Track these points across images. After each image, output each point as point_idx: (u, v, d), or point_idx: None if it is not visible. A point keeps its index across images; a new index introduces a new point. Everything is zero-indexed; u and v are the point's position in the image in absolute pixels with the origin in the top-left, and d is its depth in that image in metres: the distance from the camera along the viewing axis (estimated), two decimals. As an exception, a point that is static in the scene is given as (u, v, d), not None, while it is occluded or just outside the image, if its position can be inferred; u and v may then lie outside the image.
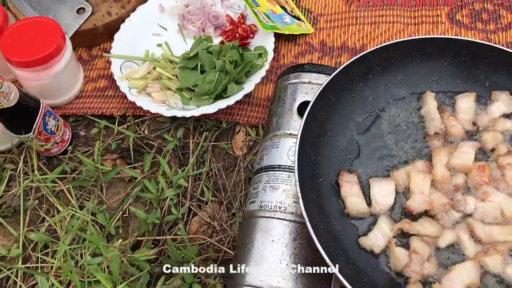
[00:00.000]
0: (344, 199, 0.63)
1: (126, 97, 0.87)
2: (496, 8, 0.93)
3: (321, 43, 0.95)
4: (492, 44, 0.68)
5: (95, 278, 0.70)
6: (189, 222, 0.79)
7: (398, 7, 0.96)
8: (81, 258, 0.73)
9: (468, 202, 0.60)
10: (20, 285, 0.74)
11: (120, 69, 0.91)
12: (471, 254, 0.58)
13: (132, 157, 0.86)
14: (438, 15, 0.94)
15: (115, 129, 0.89)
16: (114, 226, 0.78)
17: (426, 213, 0.61)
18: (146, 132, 0.89)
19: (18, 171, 0.84)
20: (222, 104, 0.82)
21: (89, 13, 0.96)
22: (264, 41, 0.89)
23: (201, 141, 0.85)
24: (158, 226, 0.78)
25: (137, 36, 0.96)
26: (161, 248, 0.76)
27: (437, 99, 0.69)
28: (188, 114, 0.82)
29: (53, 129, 0.81)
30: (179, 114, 0.82)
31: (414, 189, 0.62)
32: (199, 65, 0.86)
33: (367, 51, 0.68)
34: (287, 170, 0.69)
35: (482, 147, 0.65)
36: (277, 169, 0.69)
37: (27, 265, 0.76)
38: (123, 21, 0.96)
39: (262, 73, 0.85)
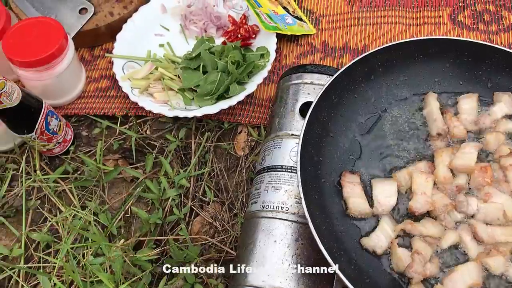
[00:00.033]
0: (346, 199, 0.63)
1: (128, 97, 0.87)
2: (498, 9, 0.93)
3: (323, 44, 0.95)
4: (494, 45, 0.68)
5: (97, 278, 0.70)
6: (191, 222, 0.79)
7: (400, 8, 0.96)
8: (83, 258, 0.73)
9: (470, 203, 0.60)
10: (22, 285, 0.74)
11: (122, 69, 0.91)
12: (473, 255, 0.58)
13: (134, 157, 0.86)
14: (440, 16, 0.94)
15: (117, 129, 0.89)
16: (116, 226, 0.78)
17: (428, 214, 0.61)
18: (148, 132, 0.89)
19: (20, 171, 0.84)
20: (224, 104, 0.82)
21: (91, 13, 0.96)
22: (266, 41, 0.90)
23: (203, 141, 0.85)
24: (160, 226, 0.78)
25: (139, 37, 0.96)
26: (163, 248, 0.76)
27: (439, 100, 0.69)
28: (190, 114, 0.82)
29: (55, 129, 0.82)
30: (181, 114, 0.82)
31: (416, 189, 0.62)
32: (201, 66, 0.86)
33: (369, 52, 0.68)
34: (289, 170, 0.69)
35: (484, 148, 0.65)
36: (279, 169, 0.70)
37: (29, 265, 0.77)
38: (125, 21, 0.96)
39: (264, 73, 0.85)
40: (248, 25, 0.94)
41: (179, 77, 0.89)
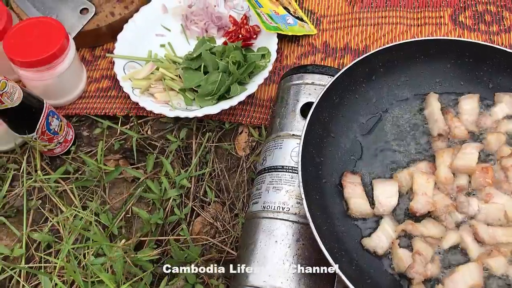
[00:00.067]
0: (347, 200, 0.63)
1: (129, 97, 0.87)
2: (499, 9, 0.93)
3: (324, 44, 0.95)
4: (495, 46, 0.68)
5: (98, 278, 0.70)
6: (192, 222, 0.79)
7: (401, 9, 0.96)
8: (84, 258, 0.73)
9: (471, 203, 0.60)
10: (23, 285, 0.74)
11: (123, 69, 0.91)
12: (474, 256, 0.58)
13: (135, 158, 0.86)
14: (441, 17, 0.94)
15: (118, 130, 0.89)
16: (117, 226, 0.78)
17: (430, 214, 0.61)
18: (149, 132, 0.89)
19: (21, 171, 0.84)
20: (225, 104, 0.82)
21: (92, 14, 0.96)
22: (267, 42, 0.90)
23: (204, 141, 0.85)
24: (161, 227, 0.78)
25: (140, 37, 0.96)
26: (164, 248, 0.76)
27: (440, 101, 0.69)
28: (191, 114, 0.82)
29: (56, 129, 0.82)
30: (182, 114, 0.82)
31: (418, 190, 0.62)
32: (202, 66, 0.86)
33: (371, 52, 0.68)
34: (290, 171, 0.69)
35: (486, 149, 0.65)
36: (280, 170, 0.70)
37: (30, 265, 0.77)
38: (126, 21, 0.96)
39: (265, 74, 0.85)
40: (249, 25, 0.94)
41: (180, 77, 0.89)
